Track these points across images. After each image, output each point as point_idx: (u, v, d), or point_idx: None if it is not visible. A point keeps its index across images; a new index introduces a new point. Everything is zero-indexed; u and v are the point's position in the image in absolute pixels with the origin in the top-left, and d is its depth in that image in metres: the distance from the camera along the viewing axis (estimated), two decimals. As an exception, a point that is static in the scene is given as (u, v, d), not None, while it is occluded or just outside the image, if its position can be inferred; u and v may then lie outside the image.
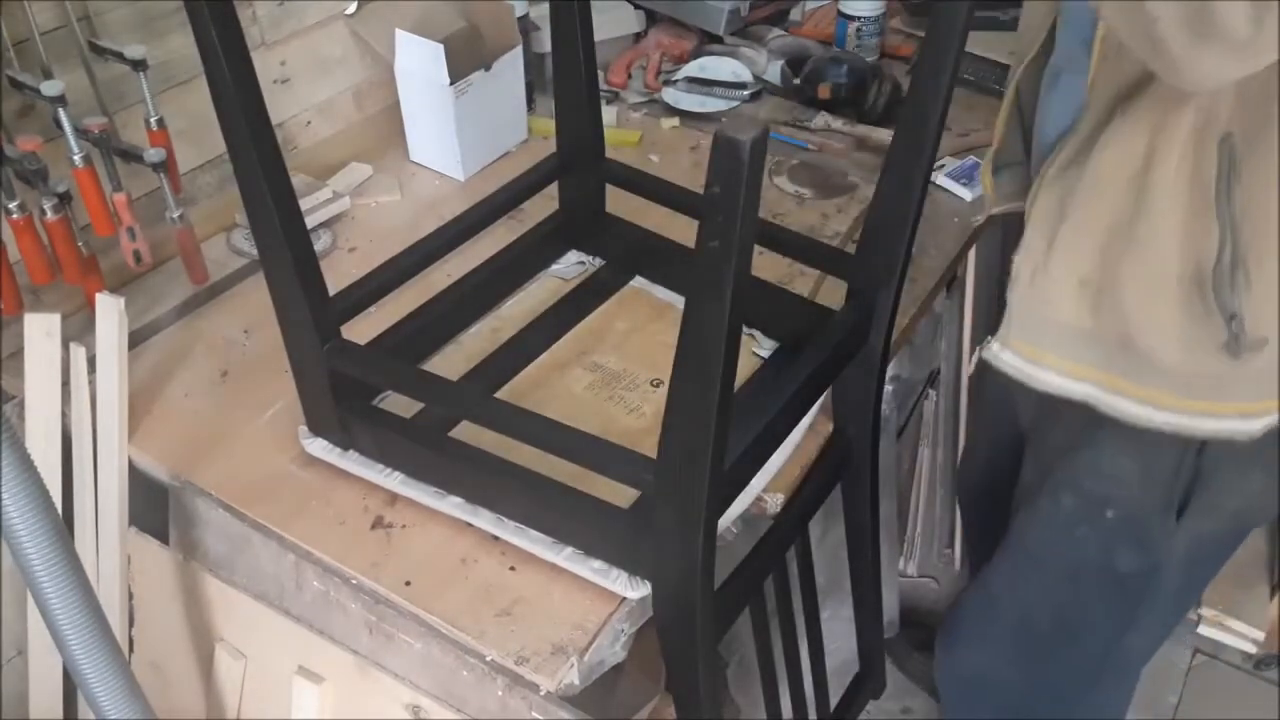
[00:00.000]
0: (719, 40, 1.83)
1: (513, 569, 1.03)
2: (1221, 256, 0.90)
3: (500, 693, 0.97)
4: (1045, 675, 1.30)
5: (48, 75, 1.19)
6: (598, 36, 1.23)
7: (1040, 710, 1.35)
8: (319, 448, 1.11)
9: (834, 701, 1.45)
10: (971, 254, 1.66)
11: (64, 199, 1.17)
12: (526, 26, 1.63)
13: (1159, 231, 0.92)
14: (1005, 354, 1.06)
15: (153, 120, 1.26)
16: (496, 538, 1.04)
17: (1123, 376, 1.00)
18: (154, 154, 1.20)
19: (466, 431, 1.08)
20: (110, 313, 1.12)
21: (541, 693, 0.95)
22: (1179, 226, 0.91)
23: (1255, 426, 0.98)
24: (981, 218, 1.29)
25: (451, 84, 1.45)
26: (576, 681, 0.95)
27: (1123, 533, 1.10)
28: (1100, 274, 0.98)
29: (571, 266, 1.35)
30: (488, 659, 0.97)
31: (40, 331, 1.14)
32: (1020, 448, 1.25)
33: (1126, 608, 1.17)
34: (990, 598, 1.31)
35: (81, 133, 1.17)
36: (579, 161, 1.29)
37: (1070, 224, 0.98)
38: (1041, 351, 1.04)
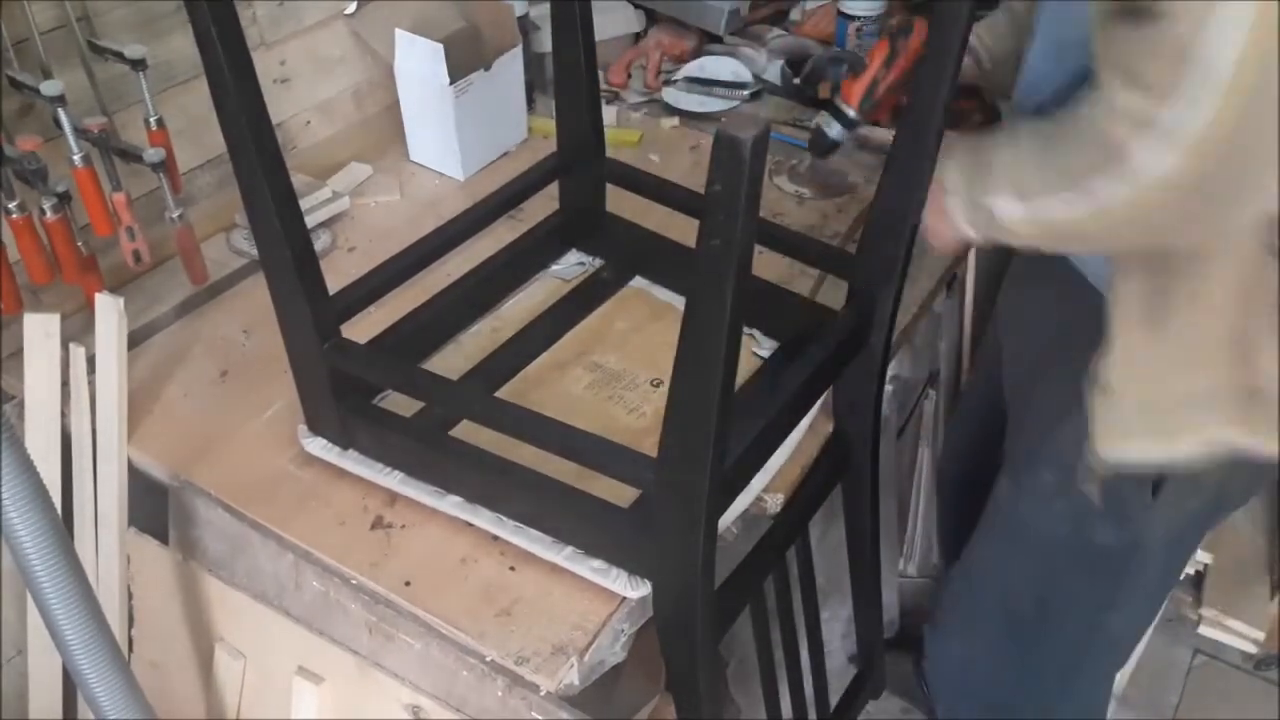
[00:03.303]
0: (719, 40, 1.83)
1: (513, 569, 1.03)
2: None
3: (500, 693, 0.97)
4: (1027, 663, 1.32)
5: (47, 75, 1.19)
6: (598, 36, 1.23)
7: (1023, 708, 1.36)
8: (318, 446, 1.11)
9: (834, 701, 1.45)
10: (971, 254, 1.66)
11: (64, 199, 1.17)
12: (526, 26, 1.63)
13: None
14: (1131, 448, 1.05)
15: (152, 120, 1.26)
16: (496, 537, 1.04)
17: (1252, 417, 1.02)
18: (153, 154, 1.20)
19: (466, 431, 1.08)
20: (110, 313, 1.12)
21: (541, 693, 0.95)
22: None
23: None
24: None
25: (451, 84, 1.45)
26: (576, 682, 0.95)
27: (1101, 507, 1.12)
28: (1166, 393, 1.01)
29: (571, 267, 1.35)
30: (488, 659, 0.97)
31: (40, 331, 1.14)
32: (1001, 432, 1.28)
33: (1106, 585, 1.20)
34: (972, 582, 1.34)
35: (81, 132, 1.17)
36: (579, 161, 1.29)
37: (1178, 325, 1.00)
38: (1171, 430, 1.04)
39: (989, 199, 0.96)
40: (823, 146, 1.27)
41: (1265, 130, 0.77)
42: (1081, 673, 1.31)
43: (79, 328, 1.21)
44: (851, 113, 1.21)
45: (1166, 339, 1.01)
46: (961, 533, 1.46)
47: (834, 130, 1.25)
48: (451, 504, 1.05)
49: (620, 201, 1.32)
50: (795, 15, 1.94)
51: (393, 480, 1.08)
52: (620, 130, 1.66)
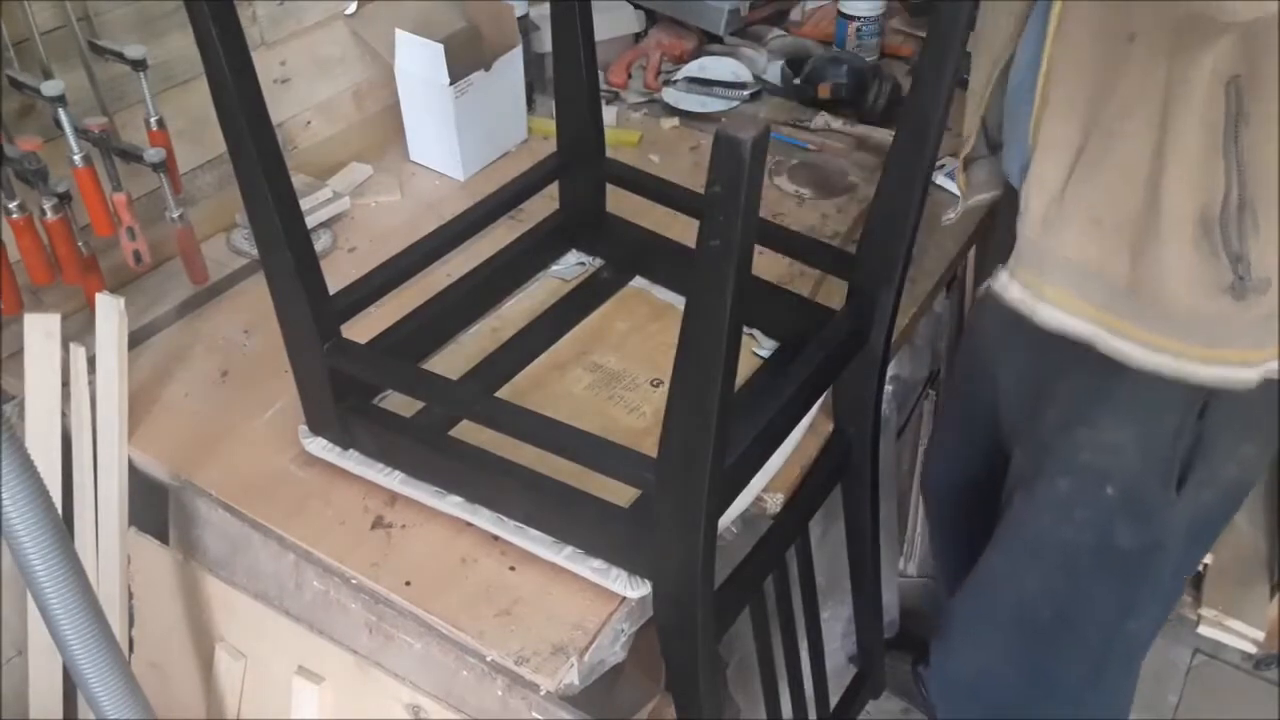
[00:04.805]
0: (719, 40, 1.83)
1: (513, 569, 1.03)
2: (1229, 199, 0.90)
3: (500, 693, 0.97)
4: (1046, 672, 1.29)
5: (48, 75, 1.19)
6: (598, 36, 1.23)
7: (1041, 713, 1.34)
8: (319, 447, 1.11)
9: (834, 701, 1.45)
10: (971, 254, 1.66)
11: (64, 199, 1.17)
12: (526, 26, 1.63)
13: (1174, 174, 0.92)
14: (1013, 286, 1.06)
15: (153, 120, 1.26)
16: (496, 537, 1.04)
17: (1125, 318, 1.00)
18: (154, 154, 1.20)
19: (466, 431, 1.08)
20: (110, 313, 1.12)
21: (541, 693, 0.95)
22: (1193, 169, 0.91)
23: (1253, 375, 0.98)
24: (955, 214, 1.28)
25: (451, 84, 1.45)
26: (576, 681, 0.95)
27: (1122, 509, 1.10)
28: (1113, 213, 0.97)
29: (571, 267, 1.35)
30: (488, 659, 0.97)
31: (40, 331, 1.14)
32: (993, 440, 1.27)
33: (1128, 589, 1.17)
34: (986, 595, 1.30)
35: (81, 133, 1.17)
36: (579, 161, 1.29)
37: (1088, 160, 0.97)
38: (1045, 285, 1.03)
39: None
40: None
41: None
42: (1103, 681, 1.28)
43: (79, 328, 1.21)
44: None
45: (1075, 172, 0.99)
46: (956, 538, 1.44)
47: None
48: (451, 504, 1.05)
49: (620, 201, 1.32)
50: (795, 15, 1.94)
51: (393, 480, 1.08)
52: (620, 130, 1.66)
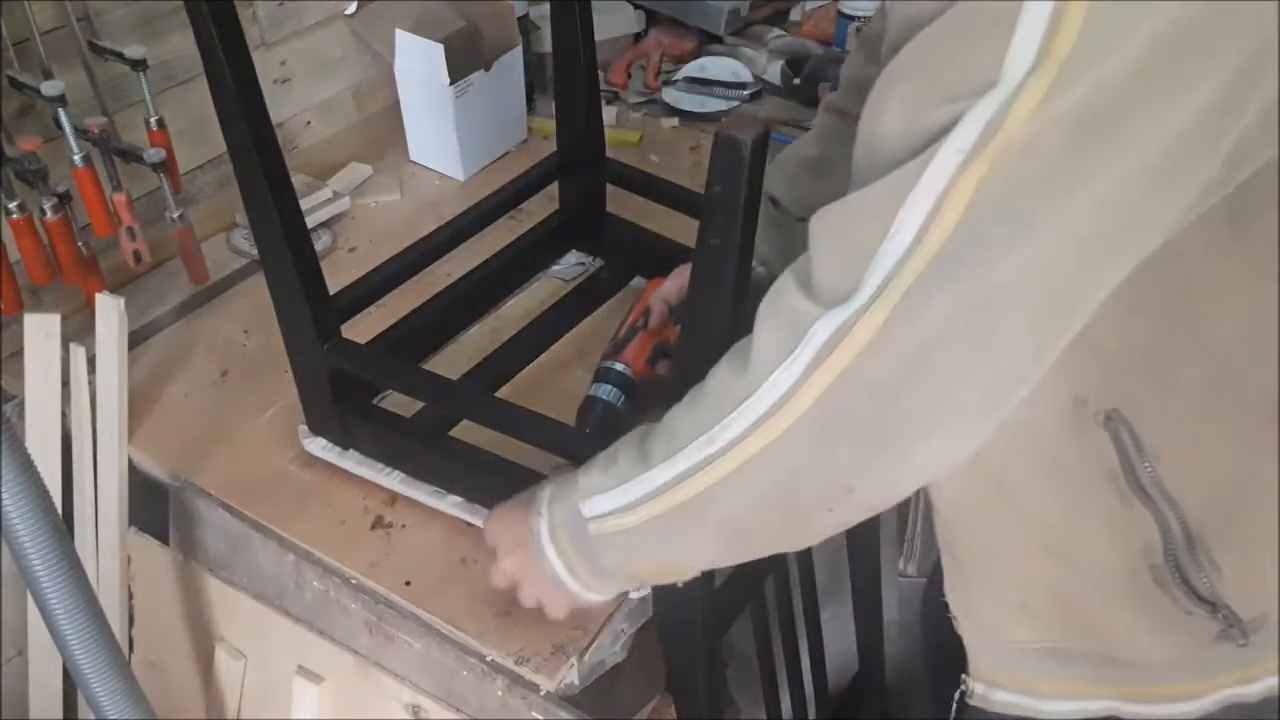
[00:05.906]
0: (719, 40, 1.83)
1: (513, 569, 1.03)
2: (1168, 546, 0.73)
3: (500, 693, 0.97)
4: None
5: (48, 75, 1.19)
6: (598, 36, 1.23)
7: None
8: (319, 447, 1.11)
9: (834, 701, 1.45)
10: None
11: (64, 199, 1.17)
12: (526, 26, 1.63)
13: (1085, 536, 0.77)
14: (997, 693, 0.87)
15: (153, 120, 1.26)
16: (496, 537, 1.04)
17: (1129, 683, 0.82)
18: (154, 154, 1.20)
19: (466, 431, 1.08)
20: (110, 313, 1.12)
21: (541, 693, 0.95)
22: (1106, 523, 0.75)
23: (1254, 691, 0.80)
24: None
25: (451, 84, 1.45)
26: (576, 681, 0.95)
27: None
28: (1037, 594, 0.82)
29: (571, 267, 1.35)
30: (488, 659, 0.97)
31: (40, 331, 1.14)
32: None
33: None
34: None
35: (81, 133, 1.17)
36: (579, 161, 1.29)
37: (984, 549, 0.85)
38: (1035, 680, 0.85)
39: (577, 500, 0.78)
40: (599, 418, 1.07)
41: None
42: None
43: (79, 328, 1.21)
44: (632, 374, 1.07)
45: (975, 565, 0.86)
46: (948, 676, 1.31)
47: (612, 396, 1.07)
48: (451, 504, 1.05)
49: (620, 201, 1.32)
50: (795, 15, 1.94)
51: (393, 480, 1.08)
52: (620, 130, 1.66)
